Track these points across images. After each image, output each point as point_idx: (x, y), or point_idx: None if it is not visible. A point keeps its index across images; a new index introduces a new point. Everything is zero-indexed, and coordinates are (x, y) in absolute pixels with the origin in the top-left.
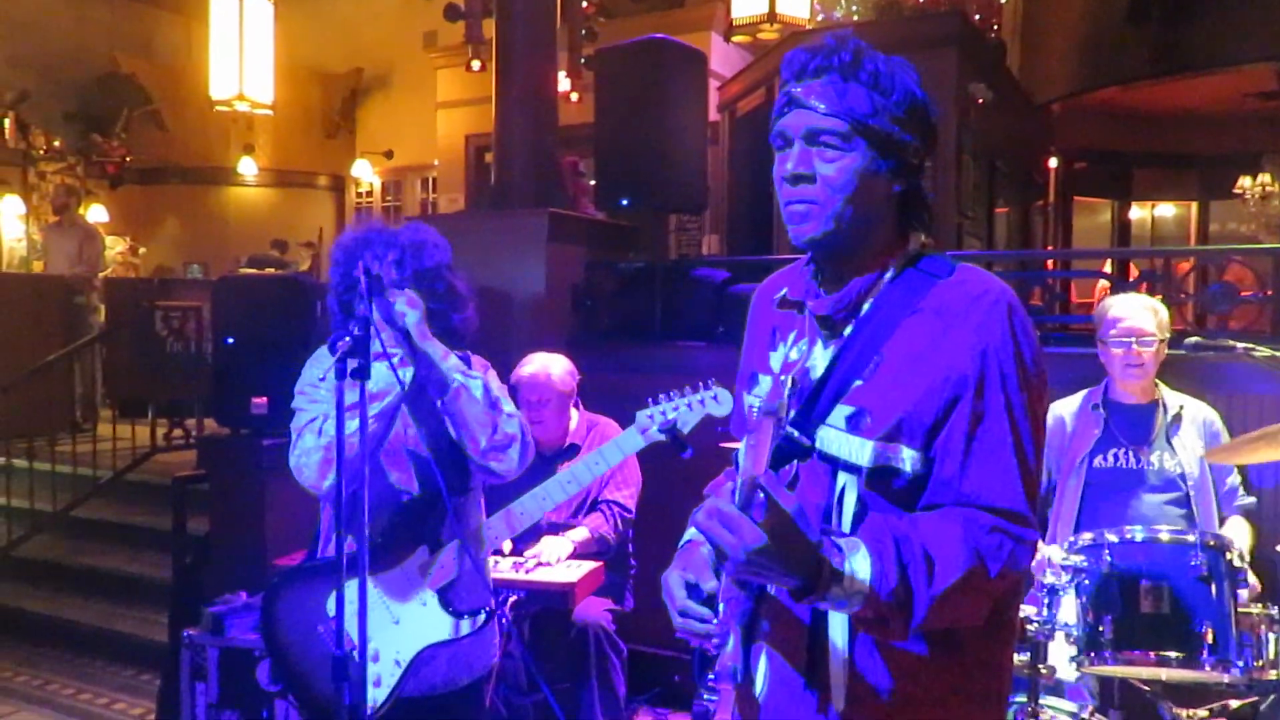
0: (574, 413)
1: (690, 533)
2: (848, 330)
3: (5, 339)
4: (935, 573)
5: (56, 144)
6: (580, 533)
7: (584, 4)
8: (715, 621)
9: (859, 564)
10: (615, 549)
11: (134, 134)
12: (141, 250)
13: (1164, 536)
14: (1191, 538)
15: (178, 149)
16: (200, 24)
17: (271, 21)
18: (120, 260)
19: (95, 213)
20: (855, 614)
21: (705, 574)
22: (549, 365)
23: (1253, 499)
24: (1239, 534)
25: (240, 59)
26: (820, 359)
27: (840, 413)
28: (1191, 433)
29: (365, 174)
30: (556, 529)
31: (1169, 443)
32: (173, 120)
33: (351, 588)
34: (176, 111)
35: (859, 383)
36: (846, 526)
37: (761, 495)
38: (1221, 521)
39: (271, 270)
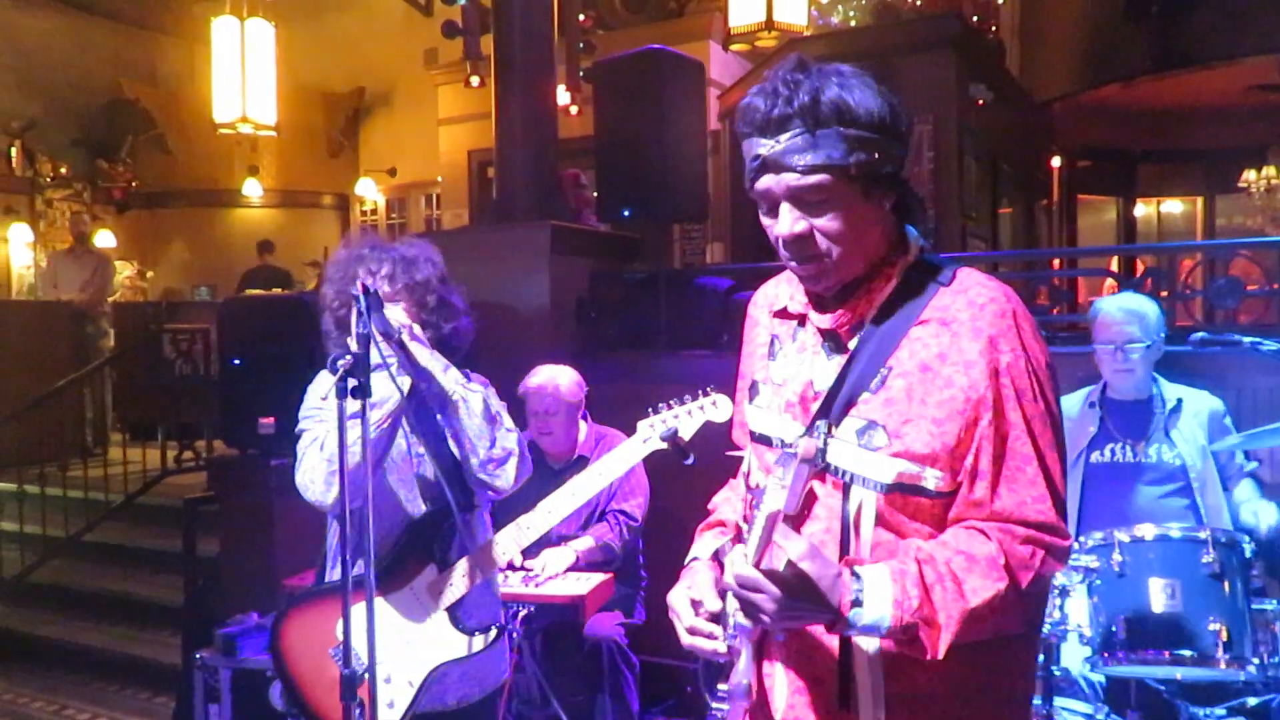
0: (583, 425)
1: (694, 551)
2: (853, 343)
3: (16, 365)
4: (965, 590)
5: (63, 171)
6: (584, 541)
7: (581, 17)
8: (724, 638)
9: (880, 589)
10: (623, 559)
11: (139, 159)
12: (149, 274)
13: (1175, 534)
14: (1203, 535)
15: (183, 173)
16: (203, 48)
17: (273, 44)
18: (128, 284)
19: (103, 238)
20: (887, 636)
21: (709, 594)
22: (556, 376)
23: (1255, 463)
24: (1252, 498)
25: (243, 82)
26: (826, 372)
27: (850, 426)
28: (1193, 424)
29: (369, 192)
30: (565, 540)
31: (1167, 435)
32: (177, 144)
33: (360, 609)
34: (181, 135)
35: (867, 395)
36: (866, 544)
37: (778, 536)
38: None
39: (272, 290)
